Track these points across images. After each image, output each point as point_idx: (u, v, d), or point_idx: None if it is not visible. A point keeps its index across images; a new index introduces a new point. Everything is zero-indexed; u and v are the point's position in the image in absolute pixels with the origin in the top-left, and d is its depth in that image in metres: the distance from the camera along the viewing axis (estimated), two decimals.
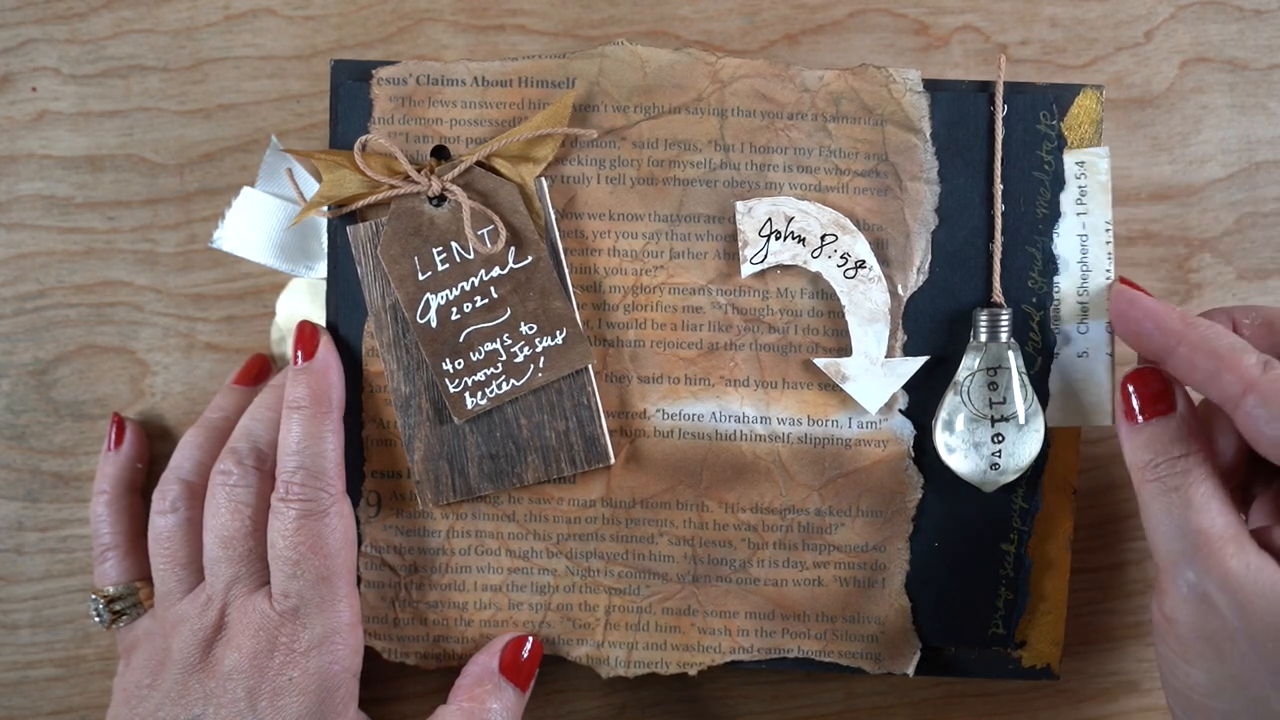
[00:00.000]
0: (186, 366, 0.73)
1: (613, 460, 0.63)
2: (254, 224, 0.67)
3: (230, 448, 0.64)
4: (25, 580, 0.73)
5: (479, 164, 0.61)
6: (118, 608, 0.66)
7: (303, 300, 0.71)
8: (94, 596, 0.67)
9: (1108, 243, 0.64)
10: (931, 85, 0.63)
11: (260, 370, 0.71)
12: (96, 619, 0.66)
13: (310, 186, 0.67)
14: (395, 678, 0.70)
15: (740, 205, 0.62)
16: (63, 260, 0.73)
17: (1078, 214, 0.63)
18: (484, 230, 0.61)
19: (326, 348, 0.63)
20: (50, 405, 0.73)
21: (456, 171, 0.61)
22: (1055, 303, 0.64)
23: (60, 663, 0.73)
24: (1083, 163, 0.63)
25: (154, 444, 0.73)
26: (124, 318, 0.73)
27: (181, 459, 0.67)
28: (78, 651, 0.73)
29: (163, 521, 0.65)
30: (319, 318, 0.66)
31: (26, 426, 0.73)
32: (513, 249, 0.61)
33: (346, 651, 0.61)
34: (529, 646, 0.64)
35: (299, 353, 0.63)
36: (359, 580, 0.65)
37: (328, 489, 0.61)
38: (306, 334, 0.64)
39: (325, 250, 0.65)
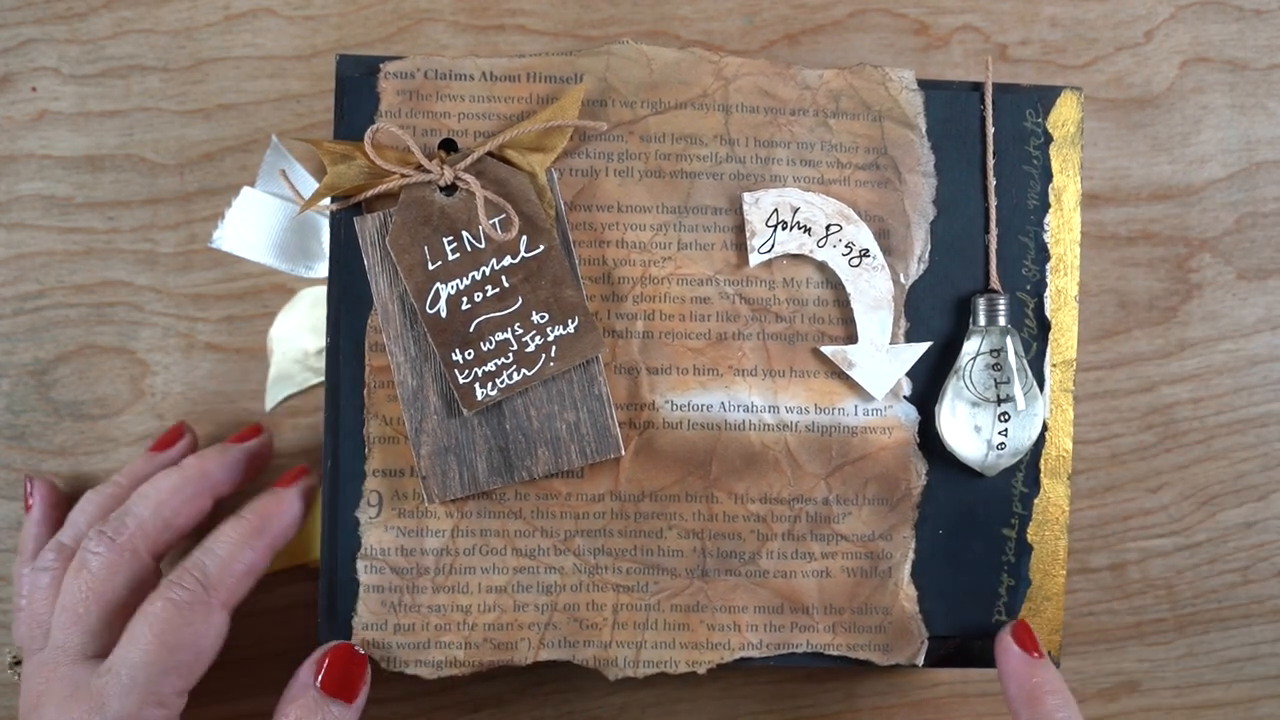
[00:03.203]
0: (186, 366, 0.73)
1: (623, 451, 0.63)
2: (254, 224, 0.67)
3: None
4: None
5: (489, 154, 0.61)
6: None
7: (301, 316, 0.72)
8: (7, 654, 0.68)
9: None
10: (925, 84, 0.65)
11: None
12: (9, 673, 0.67)
13: (308, 187, 0.67)
14: (395, 677, 0.69)
15: (747, 196, 0.63)
16: (63, 260, 0.72)
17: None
18: (496, 219, 0.61)
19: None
20: (50, 405, 0.73)
21: (470, 160, 0.61)
22: (1048, 289, 0.65)
23: None
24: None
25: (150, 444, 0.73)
26: (124, 318, 0.73)
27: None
28: None
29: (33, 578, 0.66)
30: (319, 323, 0.67)
31: (26, 426, 0.73)
32: (524, 238, 0.61)
33: None
34: (351, 658, 0.63)
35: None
36: (359, 585, 0.64)
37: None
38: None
39: (325, 250, 0.65)
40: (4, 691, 0.73)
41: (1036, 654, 0.62)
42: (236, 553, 0.62)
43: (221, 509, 0.68)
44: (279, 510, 0.64)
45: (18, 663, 0.66)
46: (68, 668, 0.60)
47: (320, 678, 0.61)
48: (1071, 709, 0.60)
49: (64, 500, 0.71)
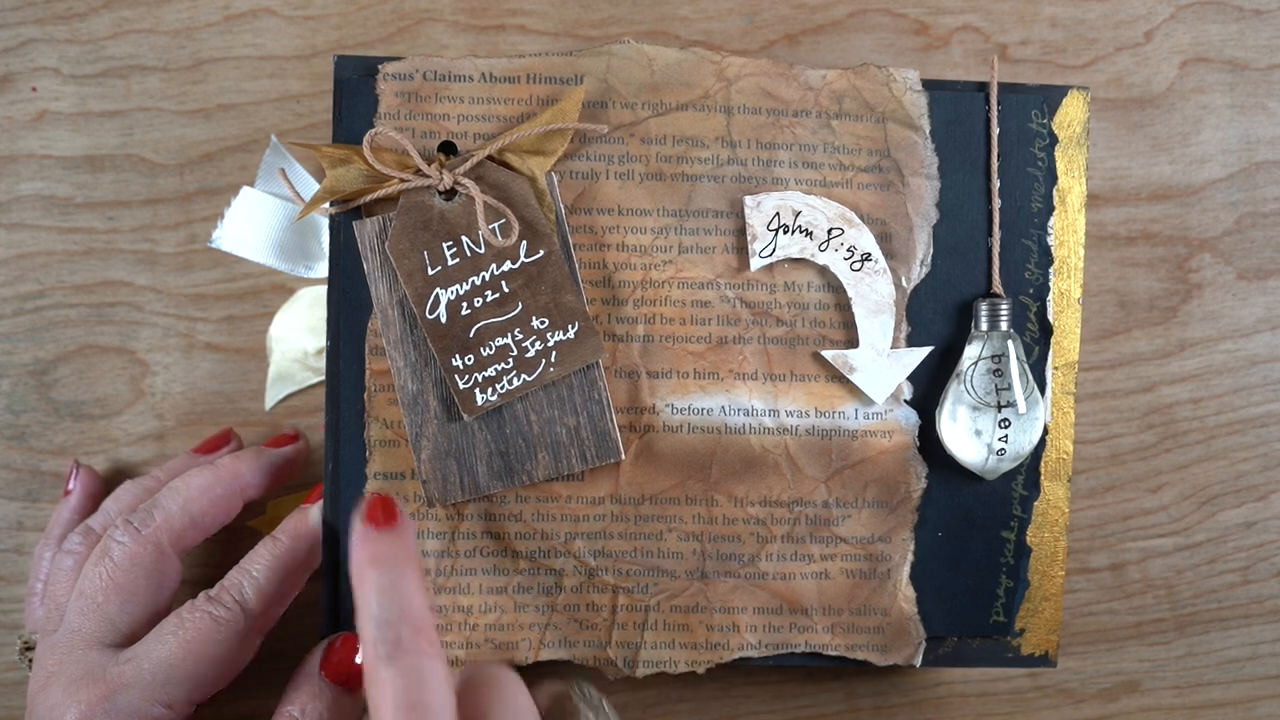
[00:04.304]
0: (186, 366, 0.73)
1: (623, 455, 0.63)
2: (253, 224, 0.67)
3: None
4: (25, 580, 0.72)
5: (489, 158, 0.61)
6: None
7: (301, 315, 0.71)
8: (18, 640, 0.67)
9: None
10: (930, 85, 0.65)
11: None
12: (18, 660, 0.67)
13: (307, 187, 0.67)
14: None
15: (749, 199, 0.62)
16: (63, 260, 0.72)
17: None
18: (495, 224, 0.61)
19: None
20: (50, 405, 0.73)
21: (469, 164, 0.60)
22: (1051, 293, 0.65)
23: None
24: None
25: (150, 444, 0.73)
26: (124, 318, 0.73)
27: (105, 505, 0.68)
28: None
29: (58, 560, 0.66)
30: (318, 322, 0.66)
31: (26, 426, 0.73)
32: (524, 243, 0.61)
33: None
34: (357, 649, 0.63)
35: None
36: None
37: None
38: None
39: (325, 250, 0.65)
40: (6, 692, 0.73)
41: (384, 526, 0.52)
42: (273, 576, 0.62)
43: (249, 510, 0.69)
44: (310, 530, 0.63)
45: (29, 648, 0.66)
46: (81, 651, 0.60)
47: (325, 665, 0.62)
48: (393, 576, 0.50)
49: (102, 491, 0.71)
